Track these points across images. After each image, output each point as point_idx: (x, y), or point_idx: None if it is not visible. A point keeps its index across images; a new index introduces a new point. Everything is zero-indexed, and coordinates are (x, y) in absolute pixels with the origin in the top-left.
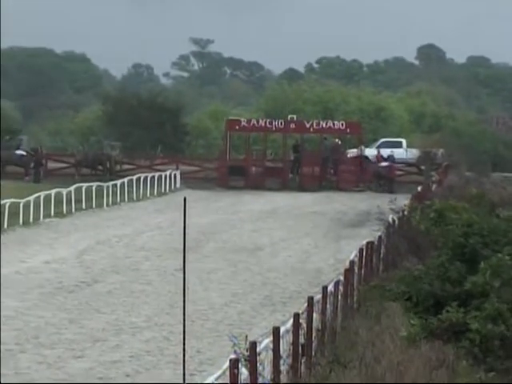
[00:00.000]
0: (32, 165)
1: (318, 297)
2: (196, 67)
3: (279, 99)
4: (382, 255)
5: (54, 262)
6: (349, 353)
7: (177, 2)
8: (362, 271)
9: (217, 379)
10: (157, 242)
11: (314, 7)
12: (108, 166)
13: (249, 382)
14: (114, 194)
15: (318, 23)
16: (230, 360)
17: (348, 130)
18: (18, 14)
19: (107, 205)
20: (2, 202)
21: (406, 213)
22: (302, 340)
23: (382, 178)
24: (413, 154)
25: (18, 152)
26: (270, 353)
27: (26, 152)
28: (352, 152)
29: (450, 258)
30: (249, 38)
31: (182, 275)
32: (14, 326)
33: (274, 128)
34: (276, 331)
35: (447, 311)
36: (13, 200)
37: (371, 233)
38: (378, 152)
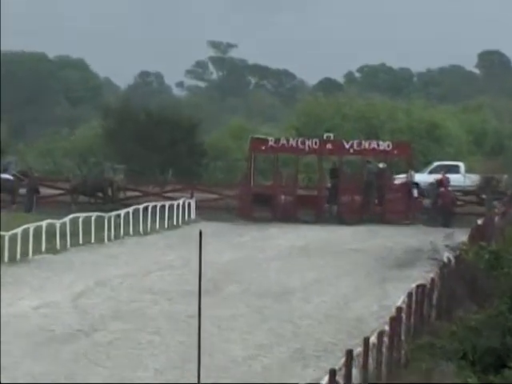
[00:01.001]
0: (24, 191)
1: (358, 350)
2: (215, 76)
3: (313, 114)
4: (434, 301)
5: (44, 307)
6: None
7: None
8: (411, 320)
9: None
10: (167, 284)
11: (355, 6)
12: (110, 192)
13: None
14: (117, 226)
15: (360, 25)
16: None
17: (395, 152)
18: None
19: (108, 239)
20: None
21: (463, 251)
22: None
23: (436, 209)
24: (472, 180)
25: (4, 176)
26: None
27: (14, 175)
28: (400, 178)
29: (510, 306)
30: (277, 41)
31: (196, 323)
32: None
33: (307, 149)
34: None
35: (510, 368)
36: None
37: (422, 274)
38: (443, 175)
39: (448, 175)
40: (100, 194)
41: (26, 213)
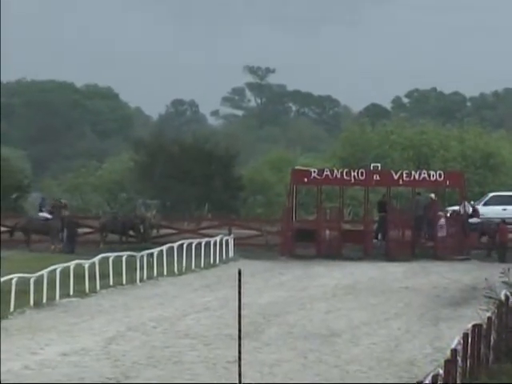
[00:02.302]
0: (64, 232)
1: None
2: (253, 103)
3: (359, 143)
4: (492, 342)
5: (73, 354)
6: None
7: (228, 22)
8: (467, 362)
9: None
10: (204, 327)
11: (403, 28)
12: (142, 230)
13: None
14: (150, 266)
15: (408, 48)
16: None
17: (447, 183)
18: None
19: (141, 280)
20: (9, 277)
21: None
22: None
23: (493, 244)
24: None
25: (42, 215)
26: None
27: (52, 213)
28: (453, 210)
29: None
30: (320, 65)
31: (237, 369)
32: None
33: (352, 180)
34: None
35: None
36: (21, 275)
37: (478, 313)
38: (474, 207)
39: (505, 206)
40: (131, 232)
41: (67, 254)
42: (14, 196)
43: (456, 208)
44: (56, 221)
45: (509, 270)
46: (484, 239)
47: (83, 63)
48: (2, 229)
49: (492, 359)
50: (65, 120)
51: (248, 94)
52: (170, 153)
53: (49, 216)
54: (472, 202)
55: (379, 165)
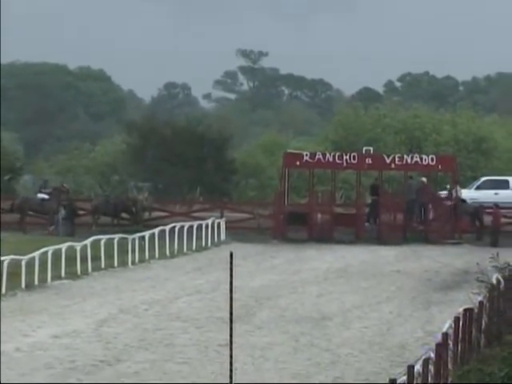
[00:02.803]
0: (62, 213)
1: (402, 379)
2: (245, 87)
3: (351, 127)
4: (483, 326)
5: (65, 336)
6: None
7: (222, 7)
8: (459, 346)
9: None
10: (196, 310)
11: (396, 11)
12: (134, 213)
13: None
14: (142, 248)
15: (401, 31)
16: None
17: (440, 167)
18: (21, 21)
19: (133, 263)
20: (1, 258)
21: None
22: None
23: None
24: None
25: (39, 196)
26: None
27: (50, 193)
28: (445, 194)
29: None
30: (312, 49)
31: (228, 352)
32: None
33: (344, 164)
34: None
35: None
36: (13, 257)
37: (470, 297)
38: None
39: (497, 191)
40: (123, 215)
41: (68, 236)
42: (6, 178)
43: (448, 192)
44: (52, 202)
45: (497, 254)
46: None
47: (76, 46)
48: None
49: (483, 343)
50: (57, 102)
51: (240, 77)
52: (162, 135)
53: (46, 197)
54: (447, 186)
55: (371, 148)
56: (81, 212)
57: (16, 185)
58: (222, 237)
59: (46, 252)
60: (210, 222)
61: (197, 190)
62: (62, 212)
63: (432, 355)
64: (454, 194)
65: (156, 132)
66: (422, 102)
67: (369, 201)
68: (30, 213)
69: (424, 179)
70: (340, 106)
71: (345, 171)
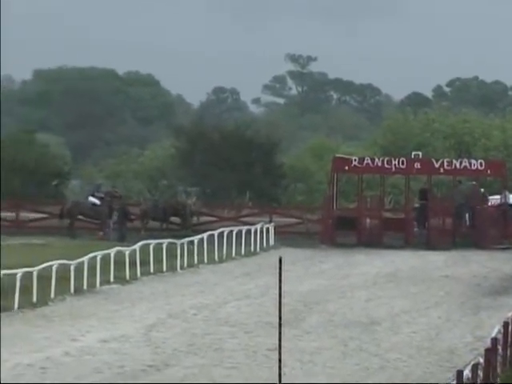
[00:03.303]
0: (114, 218)
1: None
2: (294, 91)
3: (400, 132)
4: None
5: (113, 341)
6: None
7: (268, 9)
8: (508, 351)
9: None
10: (245, 315)
11: (445, 16)
12: (183, 217)
13: None
14: (190, 253)
15: (450, 36)
16: None
17: (489, 171)
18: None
19: (181, 267)
20: (49, 263)
21: None
22: None
23: None
24: None
25: (91, 200)
26: None
27: (101, 198)
28: (494, 199)
29: None
30: (361, 53)
31: (277, 356)
32: None
33: (393, 169)
34: None
35: None
36: (62, 262)
37: None
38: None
39: None
40: (172, 220)
41: (118, 242)
42: (54, 183)
43: (497, 197)
44: (104, 207)
45: None
46: None
47: (124, 52)
48: (42, 215)
49: None
50: (106, 106)
51: (289, 81)
52: (210, 140)
53: (97, 202)
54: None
55: (420, 153)
56: (132, 217)
57: (64, 189)
58: (271, 242)
59: (95, 257)
60: (258, 226)
61: (246, 194)
62: (115, 217)
63: (481, 360)
64: (503, 200)
65: (204, 136)
66: (472, 107)
67: (417, 204)
68: (81, 217)
69: (474, 183)
70: (389, 111)
71: (393, 176)
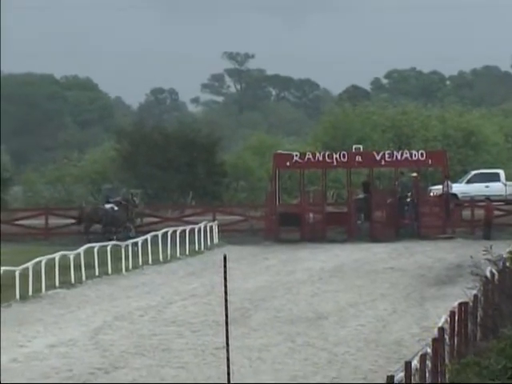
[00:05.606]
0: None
1: (400, 376)
2: (233, 89)
3: (340, 126)
4: (479, 319)
5: (61, 345)
6: None
7: (204, 7)
8: (455, 340)
9: None
10: (191, 314)
11: (380, 8)
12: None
13: None
14: (135, 255)
15: (386, 28)
16: None
17: (430, 162)
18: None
19: (126, 269)
20: None
21: (508, 264)
22: None
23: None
24: None
25: (109, 206)
26: None
27: (119, 204)
28: (436, 189)
29: None
30: (298, 49)
31: (225, 355)
32: None
33: (334, 163)
34: None
35: None
36: (6, 268)
37: (464, 291)
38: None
39: (488, 184)
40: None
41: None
42: None
43: (439, 187)
44: (122, 212)
45: (491, 247)
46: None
47: (61, 55)
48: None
49: (479, 336)
50: (45, 112)
51: (227, 80)
52: (151, 141)
53: (115, 207)
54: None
55: (361, 146)
56: (71, 221)
57: (6, 196)
58: (215, 240)
59: (40, 262)
60: (202, 225)
61: (188, 194)
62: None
63: (429, 350)
64: (445, 189)
65: (146, 138)
66: (411, 99)
67: (360, 197)
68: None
69: (414, 174)
70: (328, 106)
71: (335, 170)
